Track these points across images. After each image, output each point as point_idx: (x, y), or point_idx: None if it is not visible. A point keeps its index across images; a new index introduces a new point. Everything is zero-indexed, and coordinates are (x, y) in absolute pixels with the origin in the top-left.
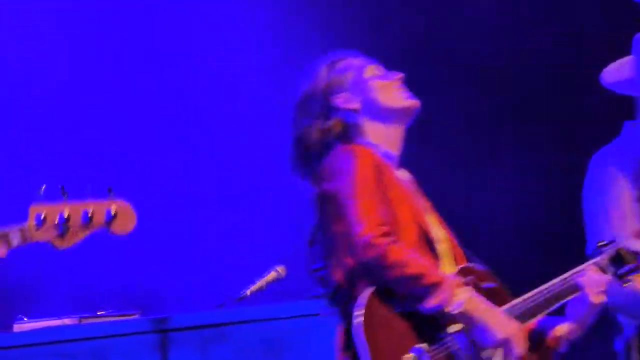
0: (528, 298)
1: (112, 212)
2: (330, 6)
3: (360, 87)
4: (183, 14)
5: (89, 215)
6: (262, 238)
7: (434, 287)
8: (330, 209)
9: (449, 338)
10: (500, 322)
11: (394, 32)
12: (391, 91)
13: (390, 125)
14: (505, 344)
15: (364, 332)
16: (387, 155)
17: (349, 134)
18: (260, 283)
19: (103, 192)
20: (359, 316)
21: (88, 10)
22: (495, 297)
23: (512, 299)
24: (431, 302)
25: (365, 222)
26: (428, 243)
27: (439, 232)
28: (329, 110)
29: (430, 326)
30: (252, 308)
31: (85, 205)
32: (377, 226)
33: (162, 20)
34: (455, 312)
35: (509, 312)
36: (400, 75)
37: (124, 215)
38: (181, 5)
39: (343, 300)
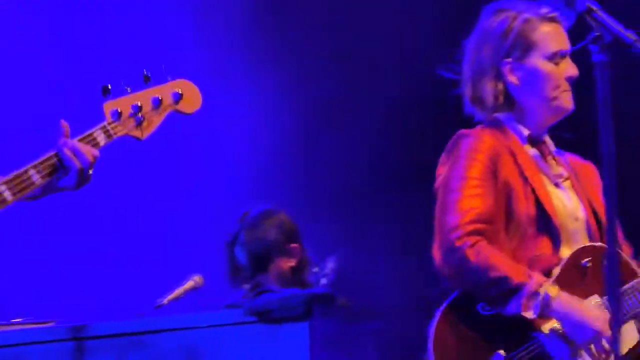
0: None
1: (179, 92)
2: None
3: (531, 66)
4: None
5: (159, 99)
6: (180, 247)
7: (511, 292)
8: (437, 197)
9: (534, 341)
10: (591, 316)
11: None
12: (558, 87)
13: (537, 116)
14: (596, 338)
15: (434, 334)
16: (519, 134)
17: (501, 104)
18: (178, 292)
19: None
20: (435, 316)
21: None
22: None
23: (633, 279)
24: (510, 308)
25: (454, 220)
26: (548, 227)
27: (576, 210)
28: (498, 72)
29: (517, 328)
30: (170, 317)
31: (152, 91)
32: (465, 224)
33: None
34: (533, 317)
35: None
36: (575, 75)
37: (189, 94)
38: None
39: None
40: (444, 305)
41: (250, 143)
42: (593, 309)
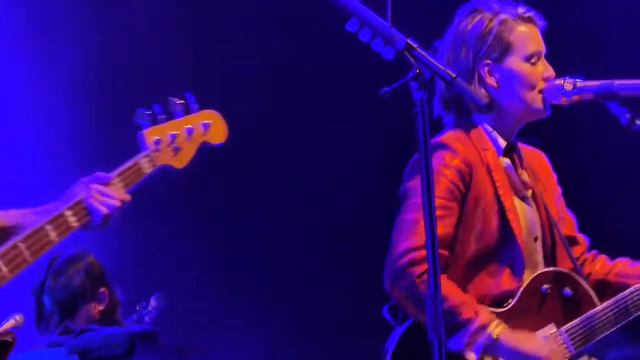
0: (599, 312)
1: (209, 123)
2: None
3: (509, 68)
4: None
5: (193, 129)
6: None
7: (457, 327)
8: (401, 205)
9: None
10: (537, 352)
11: None
12: (535, 89)
13: (515, 116)
14: None
15: None
16: (496, 145)
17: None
18: None
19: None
20: (393, 341)
21: None
22: (572, 307)
23: (591, 308)
24: (453, 344)
25: (409, 243)
26: (512, 248)
27: (536, 228)
28: (474, 73)
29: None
30: None
31: (185, 121)
32: (420, 249)
33: None
34: (474, 358)
35: (571, 332)
36: (552, 76)
37: (217, 125)
38: None
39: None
40: (402, 330)
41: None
42: (539, 344)
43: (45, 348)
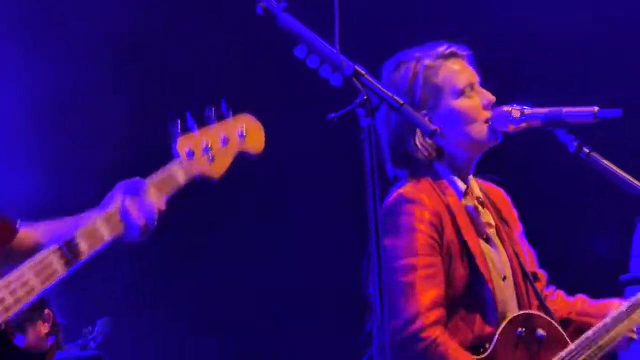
0: (577, 348)
1: (244, 131)
2: None
3: (445, 110)
4: None
5: (227, 138)
6: None
7: None
8: (390, 262)
9: None
10: None
11: None
12: (477, 120)
13: (466, 154)
14: None
15: None
16: (457, 189)
17: (434, 156)
18: None
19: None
20: None
21: None
22: (547, 348)
23: (564, 346)
24: None
25: (414, 308)
26: (483, 293)
27: (504, 267)
28: (414, 127)
29: None
30: None
31: (219, 129)
32: (427, 312)
33: None
34: None
35: None
36: (492, 101)
37: (252, 131)
38: None
39: None
40: None
41: None
42: None
43: None
